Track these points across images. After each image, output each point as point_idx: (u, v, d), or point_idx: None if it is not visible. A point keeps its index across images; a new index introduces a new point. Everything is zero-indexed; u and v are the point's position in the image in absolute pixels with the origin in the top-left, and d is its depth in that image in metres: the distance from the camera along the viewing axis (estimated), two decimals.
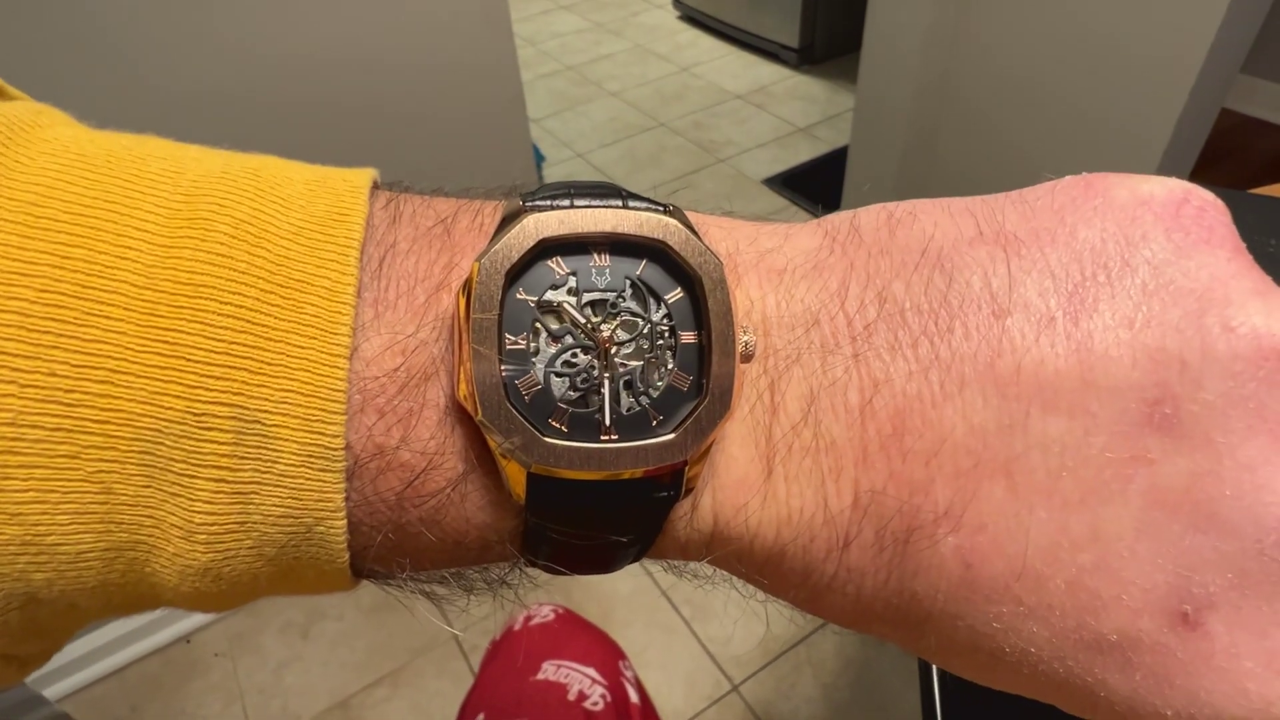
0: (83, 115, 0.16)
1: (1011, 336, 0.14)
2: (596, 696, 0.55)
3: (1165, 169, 1.19)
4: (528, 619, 0.63)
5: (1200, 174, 1.35)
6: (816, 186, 2.07)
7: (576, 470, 0.14)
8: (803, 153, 2.23)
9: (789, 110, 2.42)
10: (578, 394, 0.15)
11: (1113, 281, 0.14)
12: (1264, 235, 0.43)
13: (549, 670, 0.56)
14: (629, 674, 0.61)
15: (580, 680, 0.56)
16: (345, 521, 0.14)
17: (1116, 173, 0.16)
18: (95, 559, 0.13)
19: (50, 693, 1.12)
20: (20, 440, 0.12)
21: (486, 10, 1.09)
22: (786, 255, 0.16)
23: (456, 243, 0.15)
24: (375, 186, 0.16)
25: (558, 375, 0.15)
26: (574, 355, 0.15)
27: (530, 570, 0.17)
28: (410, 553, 0.15)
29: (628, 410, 0.15)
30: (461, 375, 0.14)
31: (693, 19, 2.93)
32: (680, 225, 0.15)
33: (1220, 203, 0.15)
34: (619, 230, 0.15)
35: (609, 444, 0.14)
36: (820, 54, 2.60)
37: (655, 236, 0.15)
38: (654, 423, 0.15)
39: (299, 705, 1.17)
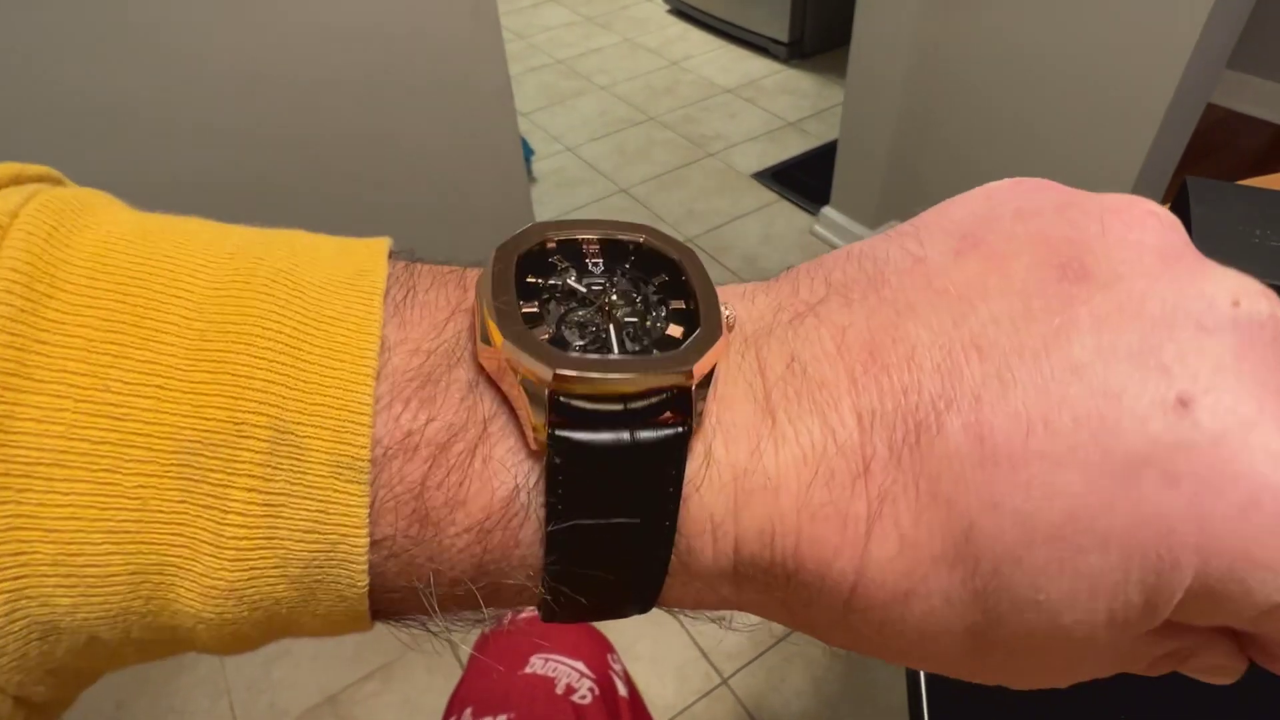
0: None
1: (935, 267, 0.17)
2: (585, 690, 0.55)
3: (1152, 163, 1.20)
4: (516, 612, 0.63)
5: (1187, 168, 1.36)
6: (806, 181, 2.07)
7: (591, 374, 0.15)
8: (792, 147, 2.23)
9: (779, 104, 2.42)
10: (587, 342, 0.17)
11: (992, 220, 0.18)
12: (1250, 225, 0.43)
13: (537, 664, 0.56)
14: (617, 667, 0.61)
15: (568, 673, 0.56)
16: (367, 540, 0.15)
17: None
18: (122, 583, 0.14)
19: None
20: (68, 453, 0.13)
21: (474, 3, 1.08)
22: (743, 285, 0.19)
23: (469, 284, 0.18)
24: (391, 254, 0.18)
25: (568, 329, 0.17)
26: (580, 317, 0.17)
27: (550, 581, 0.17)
28: (435, 554, 0.15)
29: (633, 351, 0.17)
30: (479, 326, 0.16)
31: (682, 13, 2.92)
32: (656, 229, 0.19)
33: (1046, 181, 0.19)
34: (607, 231, 0.18)
35: (619, 357, 0.16)
36: (810, 48, 2.60)
37: (637, 235, 0.19)
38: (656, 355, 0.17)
39: (287, 700, 1.17)
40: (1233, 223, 0.43)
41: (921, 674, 0.42)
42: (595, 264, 0.18)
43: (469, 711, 0.54)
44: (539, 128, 2.37)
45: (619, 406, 0.15)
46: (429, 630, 0.17)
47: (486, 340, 0.15)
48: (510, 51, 1.92)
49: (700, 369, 0.16)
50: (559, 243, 0.18)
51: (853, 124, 1.67)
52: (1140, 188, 1.22)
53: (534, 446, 0.15)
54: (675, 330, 0.17)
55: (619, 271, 0.18)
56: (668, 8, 2.98)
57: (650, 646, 1.21)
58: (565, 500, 0.15)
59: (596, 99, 2.50)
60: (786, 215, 2.00)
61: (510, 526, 0.16)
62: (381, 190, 1.15)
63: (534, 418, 0.15)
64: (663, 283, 0.18)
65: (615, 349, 0.16)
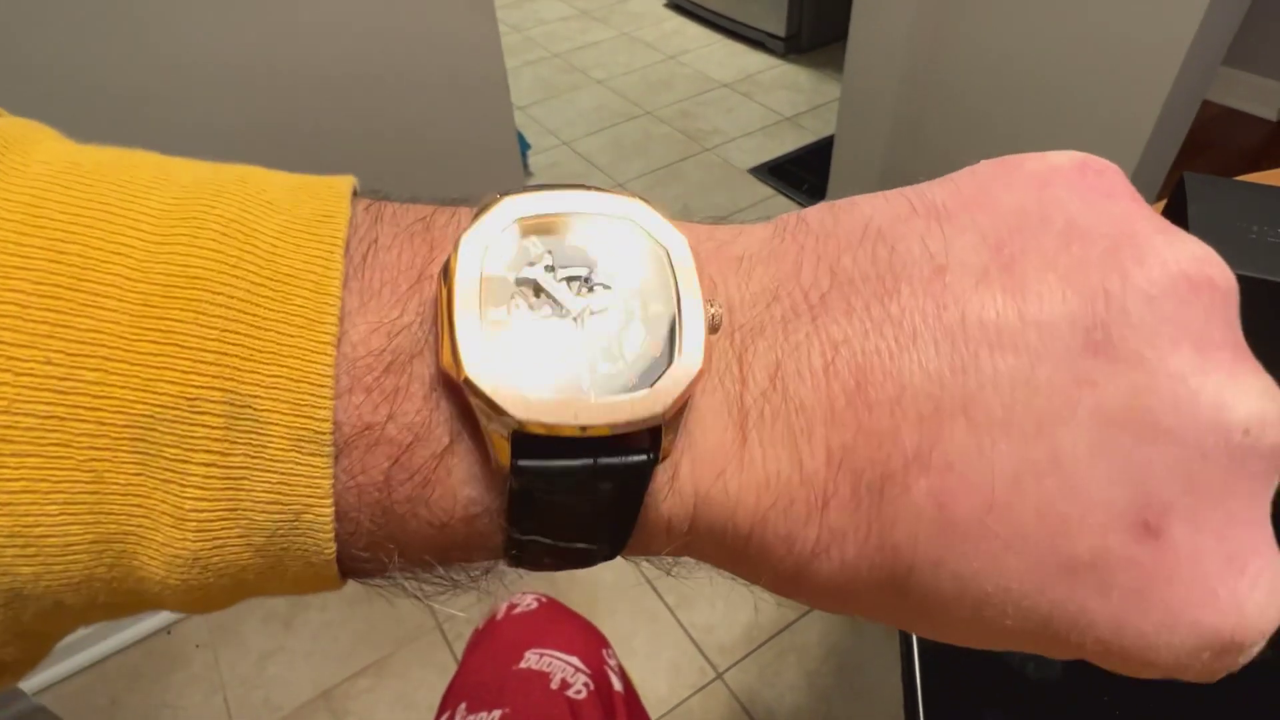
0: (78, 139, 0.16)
1: (953, 289, 0.15)
2: (579, 685, 0.55)
3: (1148, 159, 1.20)
4: (511, 607, 0.63)
5: (1183, 164, 1.36)
6: (802, 176, 2.07)
7: (557, 419, 0.14)
8: (789, 142, 2.23)
9: (776, 99, 2.42)
10: (556, 362, 0.15)
11: (1036, 234, 0.16)
12: (1247, 221, 0.43)
13: (532, 659, 0.56)
14: (612, 662, 0.61)
15: (563, 669, 0.56)
16: (332, 509, 0.14)
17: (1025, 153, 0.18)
18: (83, 551, 0.13)
19: (27, 685, 1.11)
20: (13, 428, 0.13)
21: None
22: (743, 245, 0.17)
23: (436, 237, 0.16)
24: (355, 193, 0.17)
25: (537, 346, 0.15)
26: (551, 329, 0.16)
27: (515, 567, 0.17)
28: (398, 539, 0.15)
29: (606, 374, 0.15)
30: (445, 342, 0.14)
31: (679, 6, 2.91)
32: (645, 205, 0.17)
33: (1115, 166, 0.17)
34: (589, 208, 0.17)
35: (588, 400, 0.15)
36: (807, 43, 2.60)
37: (625, 211, 0.17)
38: (631, 385, 0.15)
39: (281, 696, 1.16)
40: (1230, 218, 0.43)
41: (917, 670, 0.42)
42: (575, 249, 0.16)
43: (463, 707, 0.54)
44: (535, 121, 2.37)
45: (583, 433, 0.15)
46: (405, 592, 0.17)
47: (450, 364, 0.14)
48: (507, 45, 1.91)
49: (674, 408, 0.15)
50: (534, 221, 0.16)
51: (849, 119, 1.67)
52: (1137, 183, 1.21)
53: (495, 467, 0.15)
54: (655, 346, 0.16)
55: (600, 259, 0.17)
56: (665, 1, 2.97)
57: (645, 642, 1.21)
58: (526, 522, 0.15)
59: (593, 93, 2.49)
60: (782, 210, 1.98)
61: (473, 529, 0.16)
62: (375, 184, 1.14)
63: (495, 438, 0.15)
64: (648, 275, 0.17)
65: (586, 376, 0.15)
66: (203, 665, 1.20)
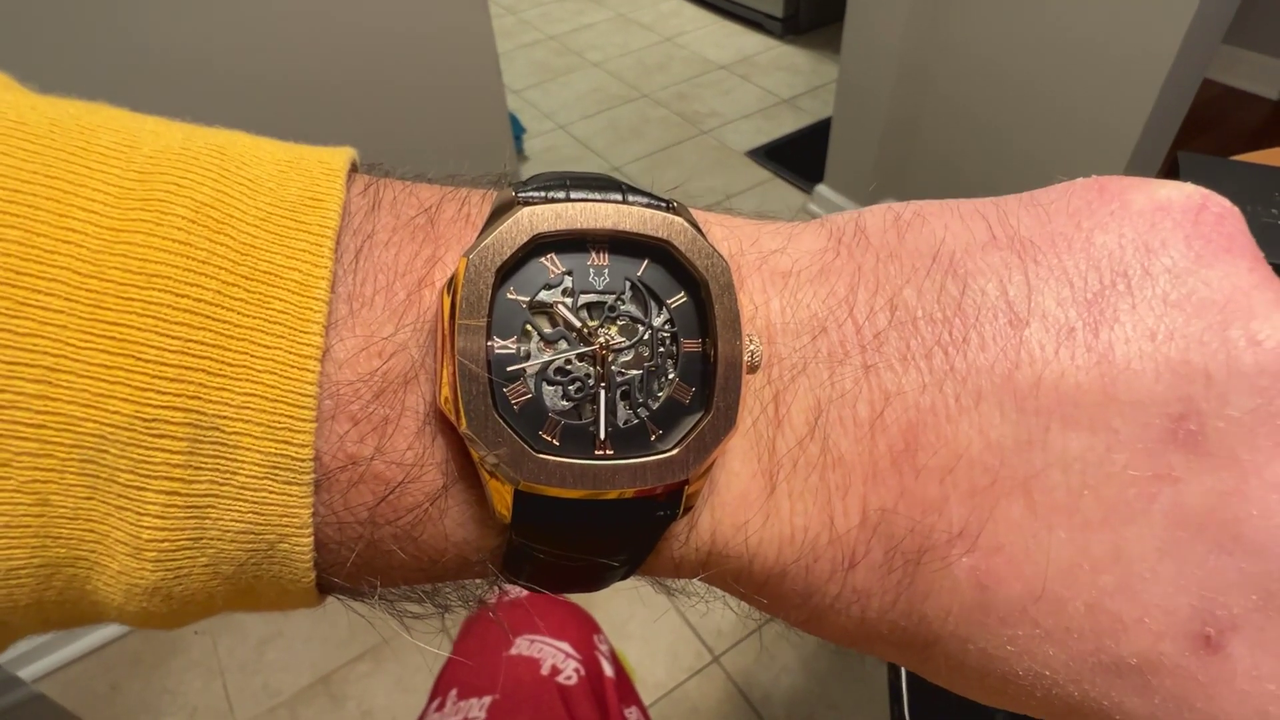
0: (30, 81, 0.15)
1: (1030, 348, 0.13)
2: (570, 671, 0.55)
3: (1147, 138, 1.19)
4: (502, 594, 0.63)
5: (1183, 143, 1.35)
6: (799, 159, 2.06)
7: (568, 489, 0.13)
8: (786, 124, 2.21)
9: (773, 81, 2.40)
10: (571, 404, 0.14)
11: (1133, 290, 0.14)
12: (1241, 201, 0.43)
13: (522, 645, 0.56)
14: (604, 648, 0.61)
15: (554, 655, 0.56)
16: (312, 539, 0.13)
17: (1130, 177, 0.15)
18: (28, 576, 0.12)
19: (26, 673, 1.12)
20: None
21: None
22: (791, 257, 0.15)
23: (441, 235, 0.14)
24: (353, 169, 0.15)
25: (550, 383, 0.14)
26: (568, 362, 0.14)
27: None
28: (381, 570, 0.14)
29: (625, 423, 0.14)
30: (444, 380, 0.13)
31: None
32: (685, 224, 0.15)
33: (1237, 210, 0.15)
34: (620, 227, 0.14)
35: (604, 460, 0.14)
36: (805, 23, 2.57)
37: (659, 235, 0.14)
38: (653, 437, 0.14)
39: (280, 681, 1.17)
40: (1231, 199, 0.43)
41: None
42: (599, 271, 0.14)
43: (454, 693, 0.54)
44: (531, 105, 2.35)
45: (598, 494, 0.14)
46: (394, 614, 0.17)
47: (449, 406, 0.13)
48: (502, 27, 1.89)
49: (702, 470, 0.14)
50: (555, 238, 0.14)
51: (847, 101, 1.65)
52: (1136, 161, 1.21)
53: (495, 516, 0.14)
54: (683, 390, 0.14)
55: (627, 285, 0.14)
56: None
57: (641, 626, 1.21)
58: (523, 573, 0.15)
59: (589, 76, 2.47)
60: (780, 193, 1.98)
61: (465, 567, 0.15)
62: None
63: (497, 490, 0.13)
64: (680, 305, 0.15)
65: (603, 425, 0.14)
66: (202, 651, 1.20)
